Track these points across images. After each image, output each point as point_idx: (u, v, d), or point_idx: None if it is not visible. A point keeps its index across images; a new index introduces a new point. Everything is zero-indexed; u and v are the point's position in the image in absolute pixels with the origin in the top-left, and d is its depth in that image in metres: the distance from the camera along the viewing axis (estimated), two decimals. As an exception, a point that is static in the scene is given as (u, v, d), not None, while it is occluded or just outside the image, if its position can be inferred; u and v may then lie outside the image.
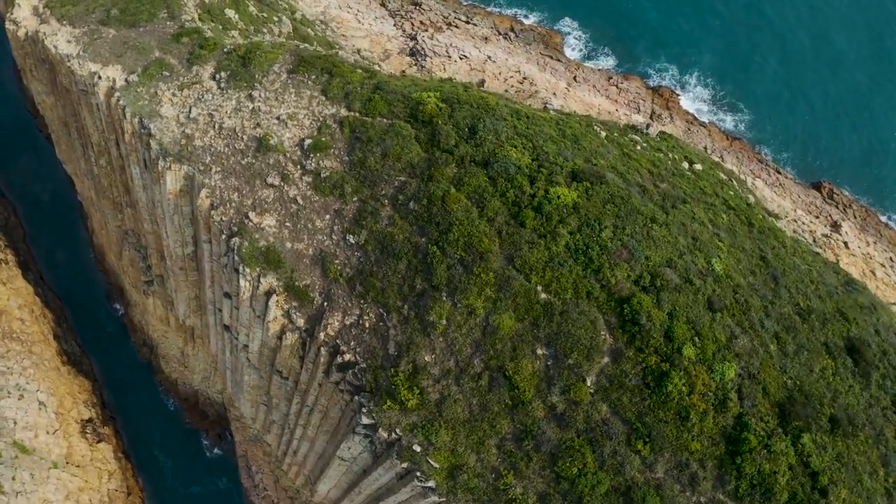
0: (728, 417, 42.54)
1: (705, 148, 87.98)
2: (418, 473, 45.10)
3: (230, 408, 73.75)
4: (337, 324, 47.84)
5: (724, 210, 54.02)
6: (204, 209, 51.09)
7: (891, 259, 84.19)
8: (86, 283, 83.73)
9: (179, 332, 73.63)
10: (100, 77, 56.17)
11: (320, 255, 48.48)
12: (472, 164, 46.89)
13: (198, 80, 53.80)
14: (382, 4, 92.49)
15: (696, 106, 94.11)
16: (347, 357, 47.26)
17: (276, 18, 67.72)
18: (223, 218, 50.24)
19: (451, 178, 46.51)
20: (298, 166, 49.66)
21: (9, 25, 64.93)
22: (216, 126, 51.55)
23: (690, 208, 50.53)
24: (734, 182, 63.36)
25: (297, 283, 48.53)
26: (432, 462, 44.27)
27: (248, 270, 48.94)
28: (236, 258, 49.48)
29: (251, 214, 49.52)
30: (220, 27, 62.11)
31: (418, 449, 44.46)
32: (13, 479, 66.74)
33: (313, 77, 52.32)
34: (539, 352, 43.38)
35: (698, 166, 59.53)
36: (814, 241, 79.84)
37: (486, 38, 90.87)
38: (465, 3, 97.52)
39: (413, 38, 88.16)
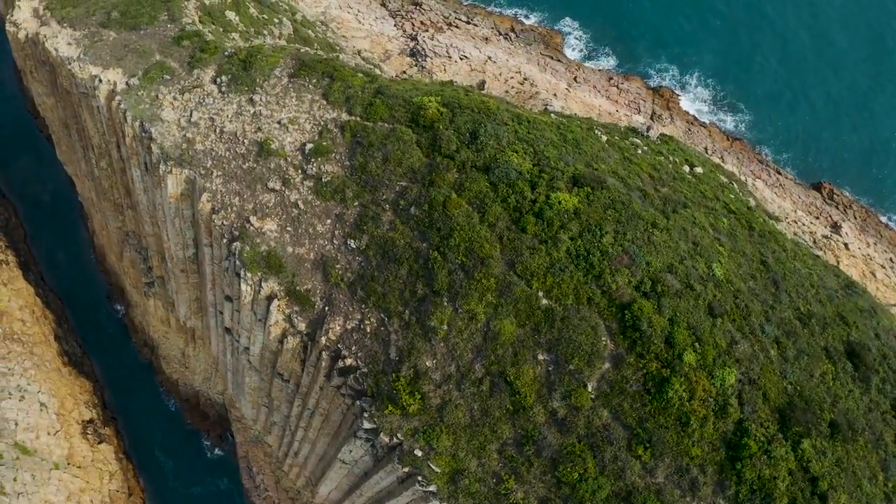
0: (728, 423, 42.68)
1: (706, 149, 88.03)
2: (420, 478, 45.26)
3: (231, 409, 73.91)
4: (338, 328, 47.95)
5: (725, 214, 54.07)
6: (205, 213, 51.15)
7: (891, 260, 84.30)
8: (86, 283, 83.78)
9: (180, 333, 73.71)
10: (100, 80, 56.16)
11: (321, 260, 48.56)
12: (474, 169, 46.93)
13: (199, 83, 53.79)
14: (383, 4, 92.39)
15: (696, 106, 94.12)
16: (349, 361, 47.39)
17: (276, 20, 67.66)
18: (224, 222, 50.30)
19: (453, 184, 46.56)
20: (299, 171, 49.70)
21: (9, 27, 64.85)
22: (217, 130, 51.57)
23: (691, 213, 50.58)
24: (735, 185, 63.39)
25: (298, 288, 48.63)
26: (434, 467, 44.43)
27: (249, 275, 49.04)
28: (237, 263, 49.56)
29: (252, 219, 49.57)
30: (221, 29, 62.07)
31: (420, 453, 44.62)
32: (15, 480, 66.90)
33: (314, 81, 52.32)
34: (540, 357, 43.50)
35: (699, 169, 59.57)
36: (814, 242, 79.93)
37: (486, 39, 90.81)
38: (465, 3, 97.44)
39: (413, 38, 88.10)
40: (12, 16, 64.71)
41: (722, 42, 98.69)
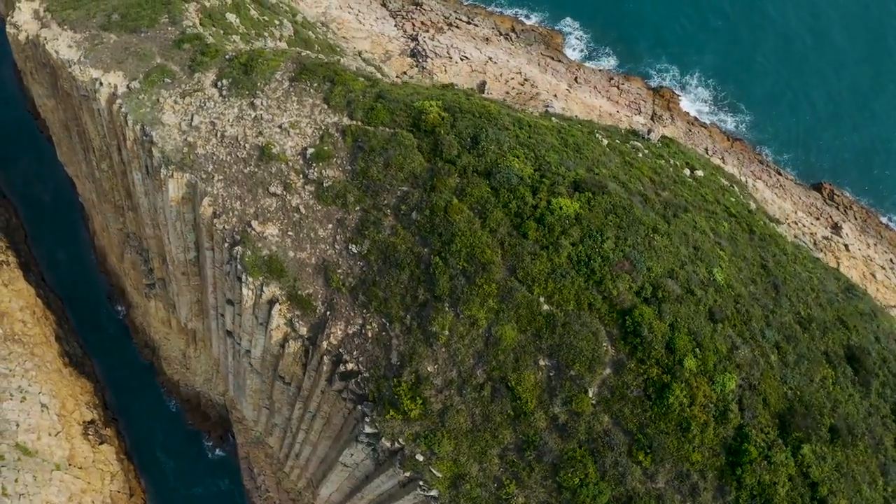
0: (729, 428, 42.83)
1: (706, 149, 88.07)
2: (421, 482, 45.40)
3: (232, 410, 74.03)
4: (340, 333, 48.04)
5: (726, 218, 54.14)
6: (206, 217, 51.18)
7: (891, 261, 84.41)
8: (87, 284, 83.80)
9: (181, 334, 73.78)
10: (101, 83, 56.13)
11: (323, 265, 48.62)
12: (475, 174, 46.98)
13: (200, 87, 53.76)
14: (383, 5, 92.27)
15: (696, 107, 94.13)
16: (350, 366, 47.47)
17: (277, 22, 67.60)
18: (226, 226, 50.35)
19: (454, 189, 46.61)
20: (301, 175, 49.73)
21: (9, 29, 64.78)
22: (218, 134, 51.58)
23: (692, 217, 50.64)
24: (735, 187, 63.45)
25: (299, 293, 48.69)
26: (435, 471, 44.56)
27: (250, 279, 49.11)
28: (239, 267, 49.62)
29: (254, 223, 49.61)
30: (222, 32, 62.01)
31: (421, 458, 44.75)
32: (16, 481, 67.02)
33: (315, 85, 52.30)
34: (541, 363, 43.61)
35: (700, 172, 59.61)
36: (814, 244, 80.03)
37: (487, 39, 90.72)
38: (466, 3, 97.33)
39: (414, 38, 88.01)
40: (13, 17, 64.63)
41: (722, 42, 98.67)
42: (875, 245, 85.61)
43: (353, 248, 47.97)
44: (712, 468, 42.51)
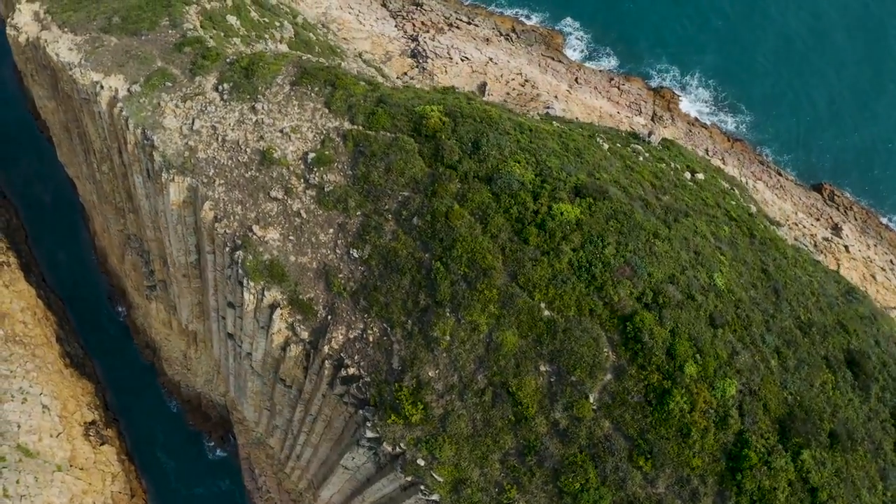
0: (729, 434, 42.95)
1: (706, 150, 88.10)
2: (422, 487, 45.55)
3: (233, 411, 74.16)
4: (341, 337, 48.13)
5: (726, 222, 54.18)
6: (207, 221, 51.22)
7: (891, 262, 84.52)
8: (88, 285, 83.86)
9: (182, 335, 73.86)
10: (102, 87, 56.11)
11: (324, 269, 48.69)
12: (476, 179, 47.03)
13: (201, 91, 53.76)
14: (383, 5, 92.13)
15: (697, 107, 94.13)
16: (351, 371, 47.59)
17: (277, 24, 67.51)
18: (227, 230, 50.41)
19: (455, 194, 46.66)
20: (302, 180, 49.77)
21: (9, 31, 64.69)
22: (219, 138, 51.59)
23: (692, 221, 50.70)
24: (736, 190, 63.49)
25: (300, 297, 48.77)
26: (436, 476, 44.70)
27: (252, 284, 49.18)
28: (240, 271, 49.69)
29: (255, 227, 49.66)
30: (222, 34, 61.93)
31: (422, 463, 44.88)
32: (17, 482, 67.15)
33: (316, 89, 52.30)
34: (542, 368, 43.72)
35: (700, 176, 59.65)
36: (815, 245, 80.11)
37: (487, 40, 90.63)
38: (466, 4, 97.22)
39: (414, 39, 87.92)
40: (13, 19, 64.53)
41: (723, 42, 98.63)
42: (875, 246, 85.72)
43: (355, 253, 48.03)
44: (712, 473, 42.65)
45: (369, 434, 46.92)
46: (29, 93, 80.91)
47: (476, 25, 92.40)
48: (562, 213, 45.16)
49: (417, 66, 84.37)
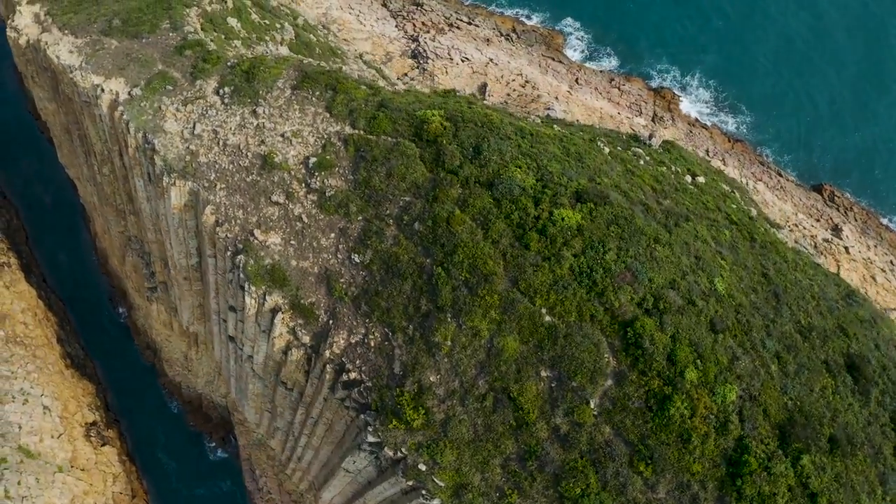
0: (729, 440, 43.09)
1: (707, 151, 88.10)
2: (423, 491, 45.71)
3: (234, 412, 74.29)
4: (342, 342, 48.22)
5: (727, 225, 54.25)
6: (209, 226, 51.27)
7: (891, 263, 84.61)
8: (88, 285, 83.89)
9: (183, 337, 73.96)
10: (103, 90, 56.10)
11: (325, 274, 48.76)
12: (477, 185, 47.08)
13: (201, 94, 53.74)
14: (384, 5, 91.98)
15: (697, 108, 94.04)
16: (353, 375, 47.69)
17: (278, 26, 67.43)
18: (228, 235, 50.46)
19: (456, 200, 46.71)
20: (303, 184, 49.80)
21: (10, 32, 64.66)
22: (220, 142, 51.59)
23: (693, 226, 50.77)
24: (737, 193, 63.54)
25: (302, 301, 48.86)
26: (437, 481, 44.85)
27: (253, 288, 49.26)
28: (241, 276, 49.75)
29: (256, 232, 49.72)
30: (223, 37, 61.87)
31: (423, 468, 45.03)
32: (19, 483, 67.32)
33: (317, 93, 52.28)
34: (543, 374, 43.84)
35: (701, 179, 59.70)
36: (815, 246, 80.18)
37: (488, 40, 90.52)
38: (466, 4, 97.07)
39: (415, 39, 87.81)
40: (13, 21, 64.47)
41: (723, 42, 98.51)
42: (875, 247, 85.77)
43: (356, 258, 48.10)
44: (713, 479, 42.80)
45: (371, 438, 47.07)
46: (29, 93, 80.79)
47: (476, 26, 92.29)
48: (563, 219, 45.22)
49: (418, 67, 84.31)
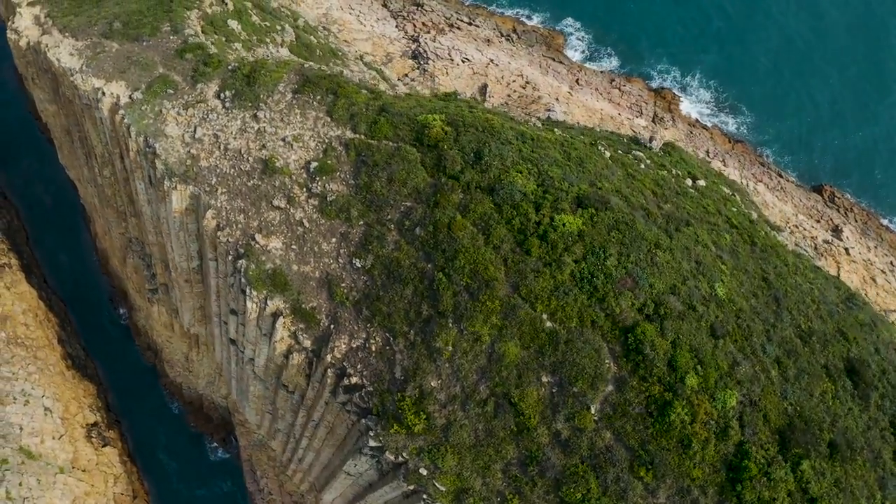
0: (729, 445, 43.24)
1: (707, 152, 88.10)
2: (425, 496, 45.83)
3: (235, 413, 74.44)
4: (344, 346, 48.30)
5: (727, 230, 54.31)
6: (210, 230, 51.30)
7: (891, 264, 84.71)
8: (89, 286, 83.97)
9: (184, 338, 74.07)
10: (103, 93, 56.04)
11: (327, 279, 48.82)
12: (478, 190, 47.11)
13: (202, 98, 53.71)
14: (384, 5, 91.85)
15: (698, 108, 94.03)
16: (354, 380, 47.78)
17: (279, 27, 67.36)
18: (229, 239, 50.49)
19: (457, 205, 46.75)
20: (304, 189, 49.82)
21: (10, 34, 64.60)
22: (221, 147, 51.60)
23: (694, 230, 50.83)
24: (737, 196, 63.57)
25: (303, 306, 48.92)
26: (439, 485, 44.97)
27: (254, 293, 49.30)
28: (243, 280, 49.81)
29: (257, 236, 49.76)
30: (224, 39, 61.81)
31: (425, 472, 45.15)
32: (20, 484, 67.48)
33: (318, 97, 52.27)
34: (544, 379, 43.94)
35: (702, 182, 59.73)
36: (815, 248, 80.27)
37: (488, 41, 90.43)
38: (467, 4, 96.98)
39: (415, 40, 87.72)
40: (13, 23, 64.41)
41: (724, 43, 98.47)
42: (875, 248, 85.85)
43: (357, 263, 48.15)
44: (713, 484, 42.95)
45: (372, 443, 47.18)
46: (30, 94, 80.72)
47: (477, 26, 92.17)
48: (564, 225, 45.27)
49: (418, 68, 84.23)
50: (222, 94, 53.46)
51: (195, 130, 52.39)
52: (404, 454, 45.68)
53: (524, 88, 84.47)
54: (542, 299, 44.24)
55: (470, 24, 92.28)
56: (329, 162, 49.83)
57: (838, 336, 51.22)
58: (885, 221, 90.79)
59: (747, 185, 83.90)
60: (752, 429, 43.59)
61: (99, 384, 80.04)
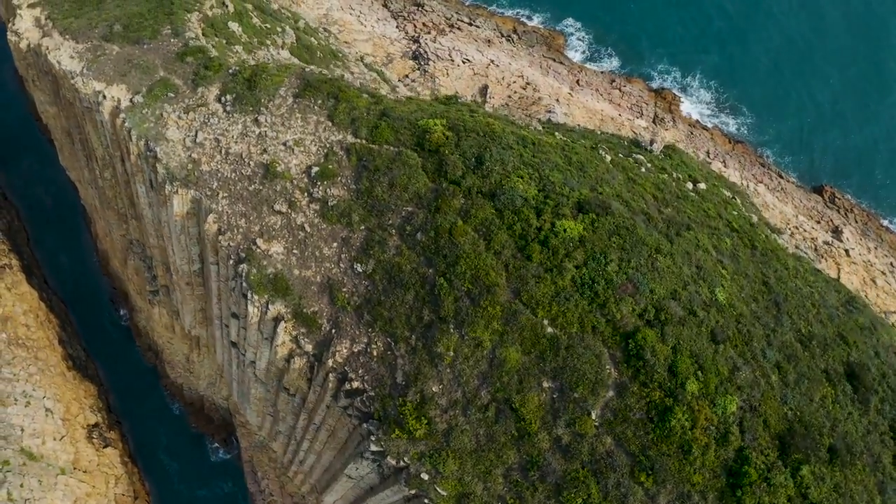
0: (729, 451, 43.36)
1: (708, 153, 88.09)
2: (426, 500, 45.98)
3: (236, 414, 74.56)
4: (345, 351, 48.40)
5: (728, 233, 54.38)
6: (211, 234, 51.35)
7: (891, 265, 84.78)
8: (90, 287, 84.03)
9: (185, 340, 74.17)
10: (104, 96, 56.05)
11: (328, 283, 48.89)
12: (479, 195, 47.15)
13: (203, 102, 53.71)
14: (384, 5, 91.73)
15: (698, 109, 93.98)
16: (356, 384, 47.89)
17: (279, 29, 67.31)
18: (231, 243, 50.55)
19: (458, 210, 46.80)
20: (305, 194, 49.85)
21: (10, 36, 64.55)
22: (223, 151, 51.61)
23: (694, 235, 50.89)
24: (737, 199, 63.65)
25: (305, 310, 49.00)
26: (440, 490, 45.12)
27: (256, 297, 49.37)
28: (244, 284, 49.87)
29: (259, 241, 49.81)
30: (224, 41, 61.79)
31: (426, 477, 45.28)
32: (21, 486, 67.63)
33: (319, 102, 52.27)
34: (545, 385, 44.05)
35: (702, 186, 59.77)
36: (815, 250, 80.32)
37: (489, 41, 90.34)
38: (467, 4, 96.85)
39: (416, 40, 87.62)
40: (14, 24, 64.36)
41: (724, 43, 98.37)
42: (875, 249, 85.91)
43: (358, 268, 48.22)
44: (713, 490, 43.08)
45: (373, 447, 47.31)
46: (30, 95, 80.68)
47: (477, 26, 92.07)
48: (565, 230, 45.33)
49: (419, 69, 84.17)
50: (223, 98, 53.45)
51: (196, 134, 52.39)
52: (405, 459, 45.81)
53: (525, 89, 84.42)
54: (543, 305, 44.33)
55: (470, 24, 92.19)
56: (330, 166, 49.87)
57: (838, 340, 51.32)
58: (885, 222, 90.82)
59: (748, 187, 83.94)
60: (752, 434, 43.72)
61: (100, 385, 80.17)
